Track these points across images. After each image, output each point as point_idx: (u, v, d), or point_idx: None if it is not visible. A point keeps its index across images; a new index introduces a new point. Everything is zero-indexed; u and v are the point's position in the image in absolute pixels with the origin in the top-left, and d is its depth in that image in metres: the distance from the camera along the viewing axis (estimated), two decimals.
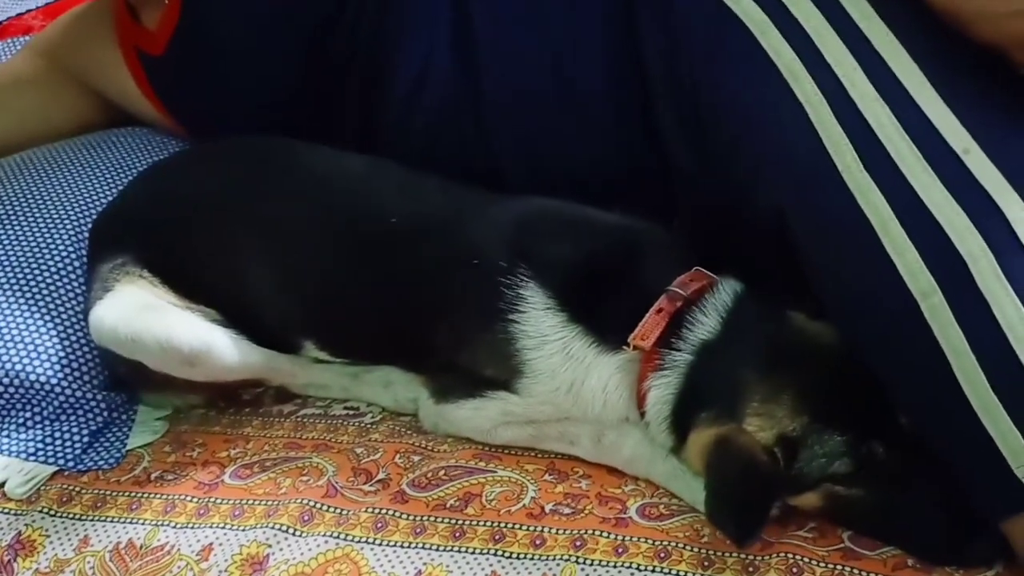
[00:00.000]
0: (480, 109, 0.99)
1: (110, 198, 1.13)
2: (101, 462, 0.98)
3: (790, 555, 0.76)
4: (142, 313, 0.94)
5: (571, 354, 0.85)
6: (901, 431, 0.76)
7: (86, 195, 1.14)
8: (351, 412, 1.02)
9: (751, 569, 0.76)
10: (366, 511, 0.86)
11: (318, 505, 0.88)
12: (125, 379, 1.02)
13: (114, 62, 1.25)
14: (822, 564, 0.75)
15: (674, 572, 0.77)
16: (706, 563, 0.77)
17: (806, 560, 0.76)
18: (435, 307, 0.91)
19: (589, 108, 0.94)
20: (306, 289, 0.98)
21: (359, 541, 0.84)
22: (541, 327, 0.85)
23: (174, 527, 0.89)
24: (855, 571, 0.74)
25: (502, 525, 0.83)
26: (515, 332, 0.86)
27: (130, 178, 1.16)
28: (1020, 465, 0.65)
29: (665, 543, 0.79)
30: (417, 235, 0.92)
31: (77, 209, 1.11)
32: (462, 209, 0.93)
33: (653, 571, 0.77)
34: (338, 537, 0.84)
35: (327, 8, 1.08)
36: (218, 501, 0.91)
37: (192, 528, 0.88)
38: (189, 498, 0.92)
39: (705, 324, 0.83)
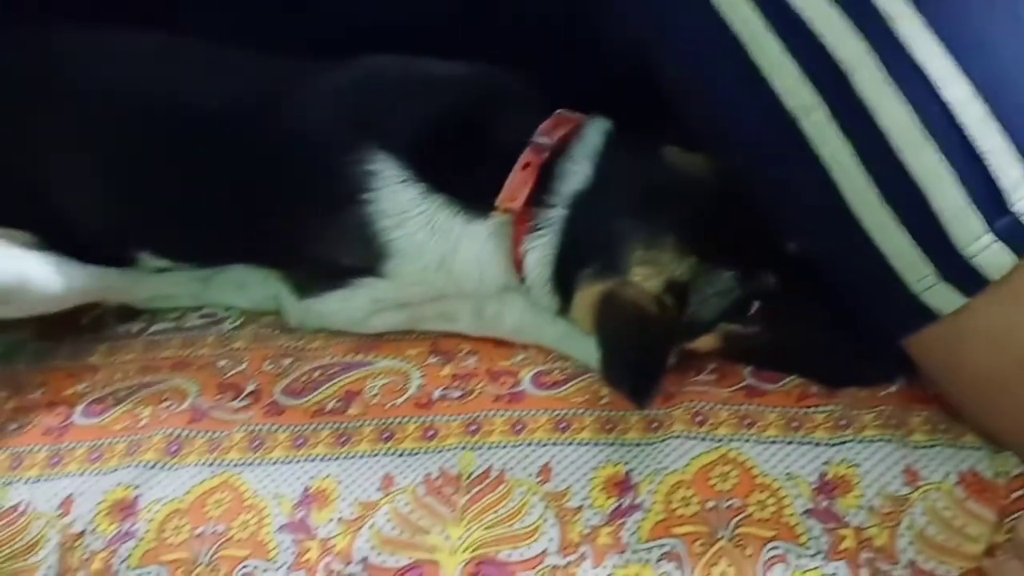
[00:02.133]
0: None
1: None
2: None
3: (693, 403, 0.72)
4: None
5: (436, 227, 0.76)
6: (790, 258, 0.72)
7: None
8: (208, 320, 0.92)
9: (655, 425, 0.72)
10: (239, 430, 0.79)
11: (185, 433, 0.80)
12: None
13: None
14: (727, 407, 0.72)
15: (576, 442, 0.72)
16: (608, 426, 0.73)
17: (710, 406, 0.72)
18: (275, 198, 0.80)
19: None
20: (126, 194, 0.86)
21: (236, 465, 0.76)
22: (399, 203, 0.76)
23: (26, 483, 0.79)
24: (760, 408, 0.72)
25: (389, 422, 0.77)
26: (371, 213, 0.76)
27: None
28: (917, 281, 0.61)
29: (564, 412, 0.74)
30: (239, 119, 0.80)
31: None
32: (285, 82, 0.81)
33: (555, 444, 0.72)
34: (212, 464, 0.77)
35: None
36: (71, 446, 0.81)
37: (47, 481, 0.79)
38: (38, 448, 0.82)
39: (576, 173, 0.75)
